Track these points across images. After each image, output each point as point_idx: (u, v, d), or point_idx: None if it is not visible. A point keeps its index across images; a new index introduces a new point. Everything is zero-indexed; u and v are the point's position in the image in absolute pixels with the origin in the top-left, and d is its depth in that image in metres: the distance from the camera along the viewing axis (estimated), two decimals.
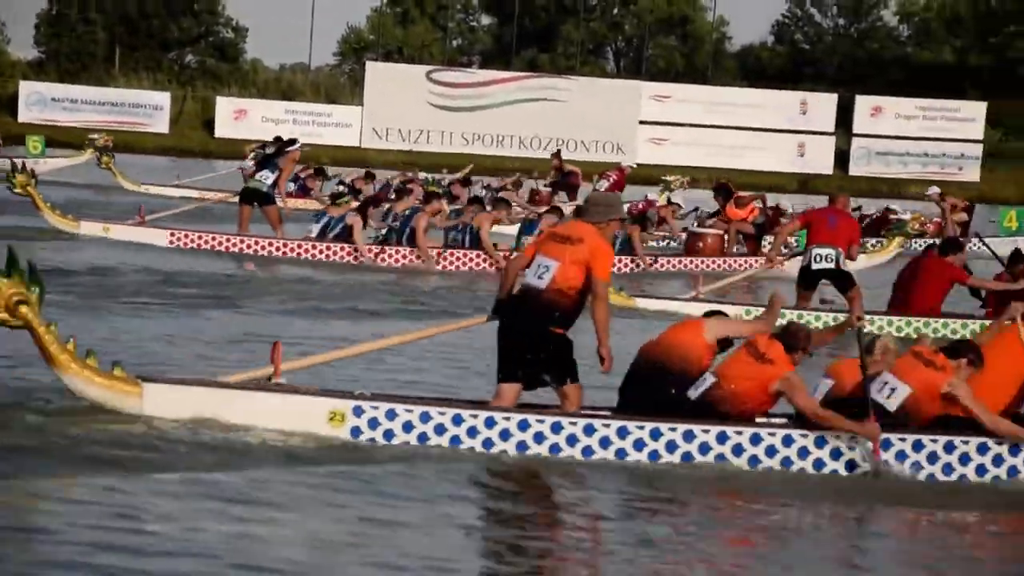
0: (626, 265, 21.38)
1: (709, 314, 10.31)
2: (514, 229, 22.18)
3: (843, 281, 16.00)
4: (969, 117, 63.55)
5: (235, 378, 9.28)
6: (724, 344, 9.86)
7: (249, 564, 6.73)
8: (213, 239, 20.48)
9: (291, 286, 17.43)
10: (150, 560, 6.65)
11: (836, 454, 9.35)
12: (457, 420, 9.12)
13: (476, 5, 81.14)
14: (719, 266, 22.05)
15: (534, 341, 9.44)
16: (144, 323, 13.65)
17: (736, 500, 8.83)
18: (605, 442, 9.19)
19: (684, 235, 23.61)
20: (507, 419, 9.14)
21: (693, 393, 9.56)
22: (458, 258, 20.44)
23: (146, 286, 16.33)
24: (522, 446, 9.14)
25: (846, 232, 16.05)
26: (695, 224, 24.25)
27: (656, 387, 9.61)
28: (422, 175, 32.93)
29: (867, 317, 14.81)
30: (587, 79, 63.56)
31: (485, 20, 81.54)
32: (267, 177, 20.80)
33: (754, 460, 9.28)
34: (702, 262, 21.99)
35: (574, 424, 9.17)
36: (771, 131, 61.09)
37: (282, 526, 7.39)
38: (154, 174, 35.25)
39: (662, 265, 21.89)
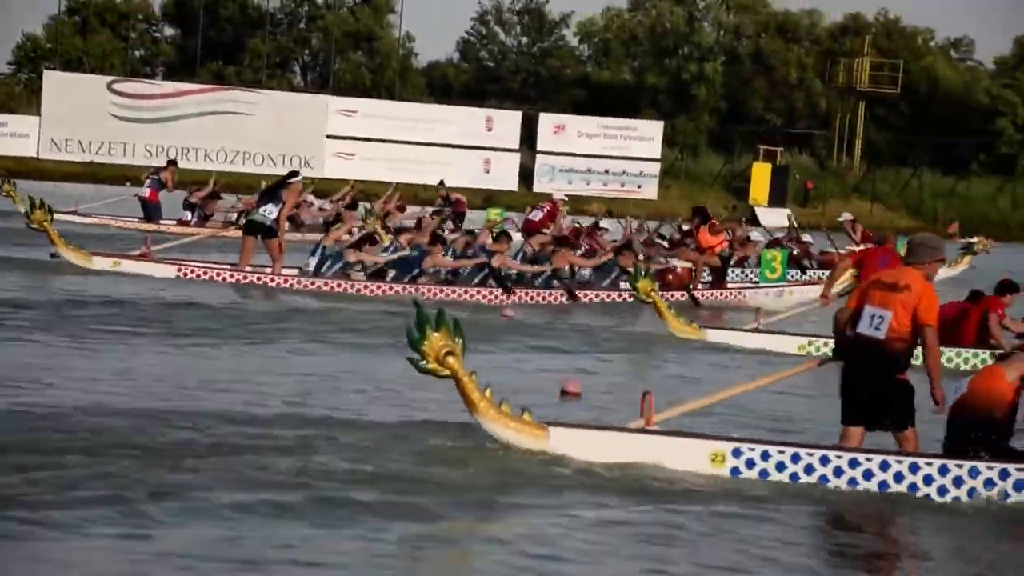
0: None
1: (1001, 357, 10.80)
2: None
3: None
4: (647, 136, 65.59)
5: (634, 424, 10.08)
6: None
7: None
8: (217, 273, 20.83)
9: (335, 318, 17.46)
10: None
11: None
12: (824, 460, 9.91)
13: (159, 16, 79.63)
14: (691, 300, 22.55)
15: (879, 389, 10.17)
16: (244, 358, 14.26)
17: None
18: (958, 481, 9.96)
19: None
20: (869, 460, 9.95)
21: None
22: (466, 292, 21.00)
23: (203, 319, 16.53)
24: (883, 485, 9.93)
25: None
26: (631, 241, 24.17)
27: (968, 433, 10.25)
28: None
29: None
30: (274, 92, 63.10)
31: (169, 31, 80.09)
32: (270, 211, 21.01)
33: None
34: (671, 295, 22.13)
35: (929, 464, 9.98)
36: (457, 147, 61.80)
37: (677, 560, 8.00)
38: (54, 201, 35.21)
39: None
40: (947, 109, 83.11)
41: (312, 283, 20.63)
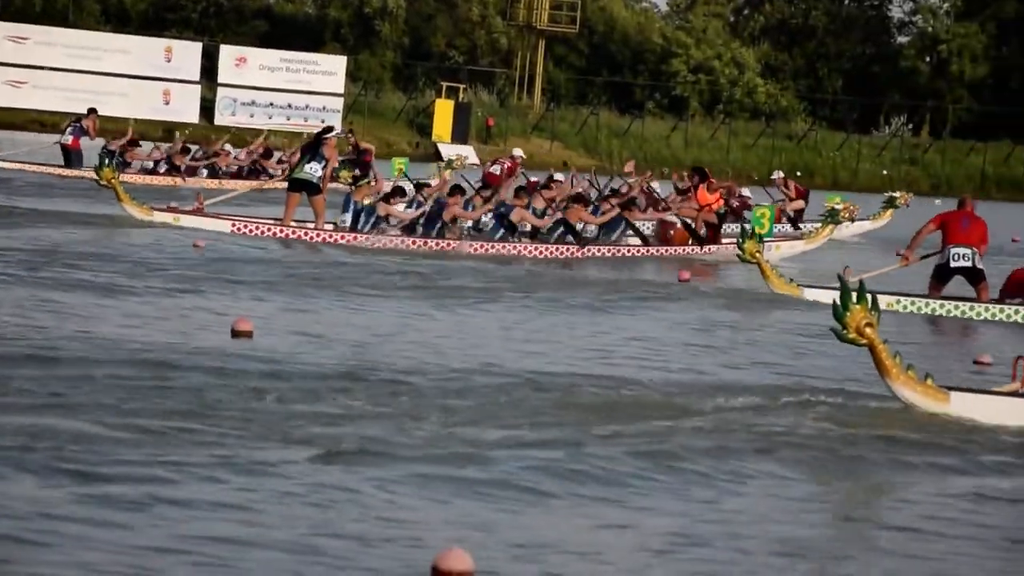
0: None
1: None
2: None
3: (976, 276, 18.31)
4: (330, 71, 65.17)
5: (1007, 388, 10.85)
6: None
7: None
8: (268, 228, 21.57)
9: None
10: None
11: None
12: None
13: None
14: (687, 252, 23.58)
15: None
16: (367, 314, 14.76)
17: None
18: None
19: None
20: None
21: None
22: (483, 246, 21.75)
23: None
24: None
25: (978, 232, 18.38)
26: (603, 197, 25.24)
27: None
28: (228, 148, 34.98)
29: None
30: None
31: None
32: (315, 169, 21.83)
33: None
34: (674, 249, 23.51)
35: None
36: (136, 78, 60.21)
37: None
38: None
39: (640, 252, 23.13)
40: (623, 50, 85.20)
41: (355, 238, 21.42)
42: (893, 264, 19.24)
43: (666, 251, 23.31)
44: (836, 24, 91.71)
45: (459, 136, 66.14)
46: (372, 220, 21.54)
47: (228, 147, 35.17)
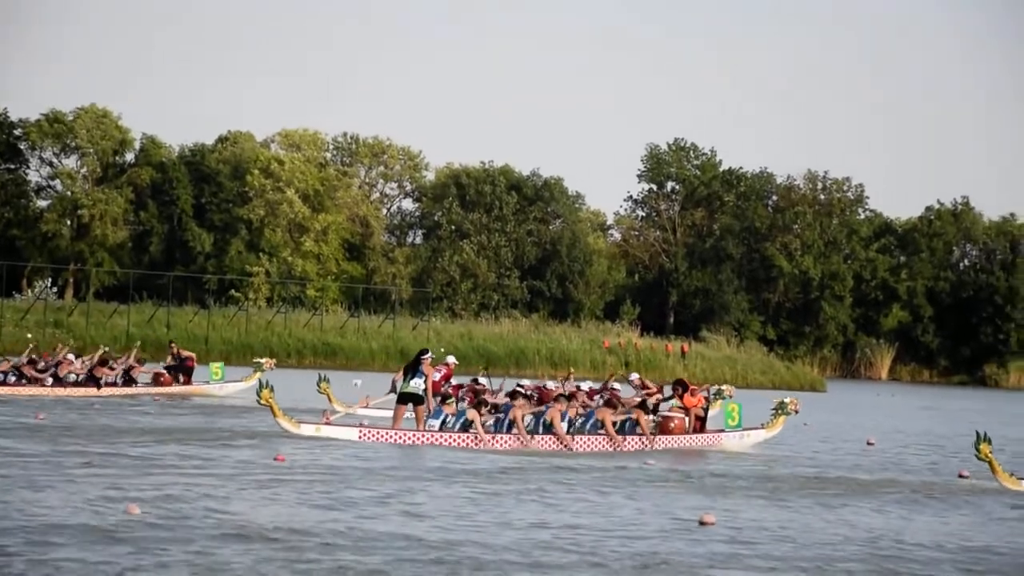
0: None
1: None
2: None
3: None
4: None
5: None
6: None
7: None
8: (387, 434, 26.29)
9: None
10: None
11: None
12: None
13: None
14: (686, 444, 28.30)
15: None
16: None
17: None
18: None
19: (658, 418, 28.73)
20: None
21: None
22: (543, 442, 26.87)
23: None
24: None
25: None
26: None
27: None
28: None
29: None
30: None
31: None
32: (419, 385, 26.91)
33: None
34: (675, 440, 28.13)
35: None
36: None
37: None
38: None
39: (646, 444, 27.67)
40: None
41: (452, 439, 26.29)
42: None
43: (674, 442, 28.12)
44: None
45: None
46: (460, 422, 26.32)
47: (71, 356, 38.57)
